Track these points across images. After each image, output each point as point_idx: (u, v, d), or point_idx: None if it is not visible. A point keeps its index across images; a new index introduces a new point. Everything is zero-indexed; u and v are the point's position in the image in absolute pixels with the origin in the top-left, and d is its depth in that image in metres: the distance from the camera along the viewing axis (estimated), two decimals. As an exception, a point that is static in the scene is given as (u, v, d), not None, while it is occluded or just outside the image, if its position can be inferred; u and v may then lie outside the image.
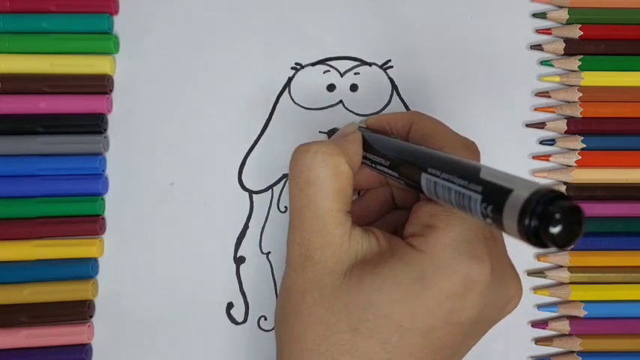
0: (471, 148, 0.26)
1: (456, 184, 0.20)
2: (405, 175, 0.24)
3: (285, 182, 0.33)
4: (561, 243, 0.16)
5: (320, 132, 0.34)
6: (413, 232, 0.24)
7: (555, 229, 0.16)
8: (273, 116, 0.34)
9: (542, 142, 0.34)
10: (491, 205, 0.18)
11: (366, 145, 0.26)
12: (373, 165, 0.26)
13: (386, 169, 0.25)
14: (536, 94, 0.34)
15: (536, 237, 0.16)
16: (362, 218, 0.27)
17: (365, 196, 0.30)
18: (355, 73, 0.34)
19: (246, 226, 0.33)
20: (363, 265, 0.23)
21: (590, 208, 0.33)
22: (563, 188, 0.33)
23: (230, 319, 0.33)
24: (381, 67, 0.34)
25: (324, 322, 0.22)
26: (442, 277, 0.22)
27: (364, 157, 0.26)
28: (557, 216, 0.16)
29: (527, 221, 0.16)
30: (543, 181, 0.34)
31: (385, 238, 0.24)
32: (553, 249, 0.16)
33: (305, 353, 0.23)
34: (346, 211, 0.24)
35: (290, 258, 0.24)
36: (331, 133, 0.33)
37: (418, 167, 0.22)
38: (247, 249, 0.33)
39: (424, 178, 0.22)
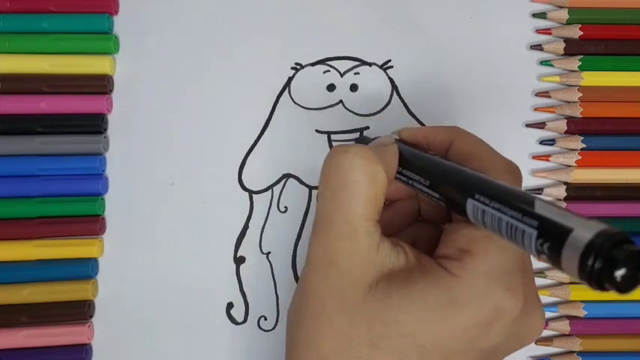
0: (515, 173, 0.24)
1: (507, 215, 0.19)
2: (448, 197, 0.23)
3: (286, 182, 0.33)
4: (624, 288, 0.16)
5: (317, 131, 0.34)
6: (447, 255, 0.23)
7: (619, 273, 0.16)
8: (273, 116, 0.34)
9: (542, 142, 0.34)
10: (549, 242, 0.17)
11: (402, 161, 0.25)
12: (409, 182, 0.25)
13: (425, 189, 0.24)
14: (536, 94, 0.34)
15: (597, 280, 0.16)
16: (385, 229, 0.27)
17: (390, 207, 0.29)
18: (355, 73, 0.34)
19: (246, 226, 0.33)
20: (390, 281, 0.22)
21: (590, 208, 0.33)
22: (563, 188, 0.33)
23: (230, 319, 0.33)
24: (381, 67, 0.34)
25: (344, 334, 0.22)
26: (474, 305, 0.21)
27: (399, 172, 0.25)
28: (622, 261, 0.16)
29: (590, 263, 0.16)
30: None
31: (414, 255, 0.23)
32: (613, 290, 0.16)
33: None
34: (376, 221, 0.23)
35: (311, 260, 0.23)
36: (362, 140, 0.32)
37: (463, 192, 0.21)
38: (247, 249, 0.33)
39: (470, 204, 0.21)
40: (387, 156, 0.25)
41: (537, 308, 0.24)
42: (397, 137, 0.27)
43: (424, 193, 0.24)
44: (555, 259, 0.17)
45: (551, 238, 0.17)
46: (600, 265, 0.16)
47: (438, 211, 0.27)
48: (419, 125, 0.34)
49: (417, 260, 0.23)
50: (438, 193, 0.23)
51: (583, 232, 0.17)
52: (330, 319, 0.22)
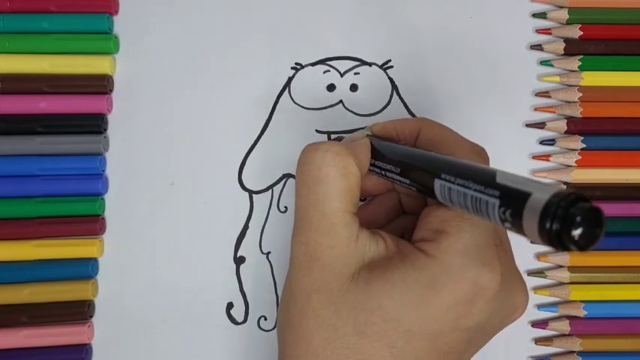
0: (481, 154, 0.26)
1: (471, 190, 0.20)
2: (417, 181, 0.23)
3: (286, 182, 0.33)
4: (583, 245, 0.16)
5: (317, 131, 0.34)
6: (423, 237, 0.23)
7: (577, 232, 0.16)
8: (273, 116, 0.34)
9: (542, 142, 0.34)
10: (510, 209, 0.18)
11: (375, 153, 0.26)
12: (382, 173, 0.26)
13: (396, 177, 0.25)
14: (536, 94, 0.34)
15: (558, 240, 0.16)
16: (370, 224, 0.27)
17: (372, 202, 0.29)
18: (355, 73, 0.34)
19: (246, 226, 0.33)
20: (371, 269, 0.23)
21: (590, 208, 0.33)
22: (562, 188, 0.33)
23: (230, 319, 0.33)
24: (381, 67, 0.34)
25: (330, 325, 0.22)
26: (452, 283, 0.22)
27: (373, 165, 0.26)
28: (579, 218, 0.16)
29: (548, 224, 0.16)
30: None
31: (393, 242, 0.24)
32: (572, 248, 0.17)
33: (310, 356, 0.22)
34: (353, 213, 0.24)
35: (294, 258, 0.24)
36: (336, 139, 0.33)
37: (431, 173, 0.22)
38: (247, 249, 0.33)
39: (437, 184, 0.22)
40: (357, 149, 0.25)
41: (518, 283, 0.24)
42: (369, 133, 0.28)
43: (396, 181, 0.25)
44: (518, 225, 0.18)
45: (512, 205, 0.18)
46: (558, 225, 0.16)
47: (417, 202, 0.28)
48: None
49: (396, 247, 0.24)
50: (409, 179, 0.24)
51: (541, 195, 0.17)
52: (316, 312, 0.23)
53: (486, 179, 0.19)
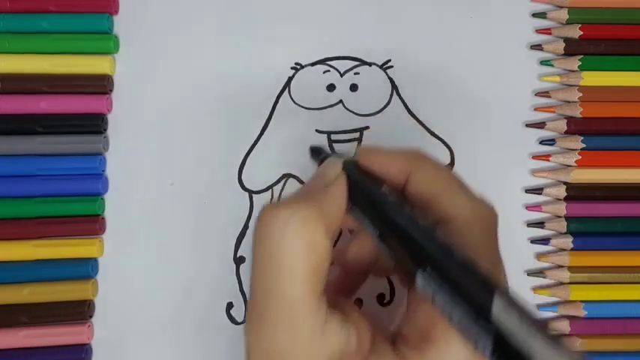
0: (487, 219, 0.21)
1: (460, 309, 0.16)
2: (398, 260, 0.20)
3: (285, 182, 0.33)
4: None
5: (317, 131, 0.34)
6: (408, 338, 0.21)
7: None
8: (273, 116, 0.34)
9: (542, 142, 0.34)
10: None
11: (353, 196, 0.21)
12: (359, 221, 0.21)
13: (375, 238, 0.21)
14: (536, 94, 0.34)
15: None
16: (356, 266, 0.24)
17: (355, 240, 0.24)
18: (355, 73, 0.34)
19: (246, 226, 0.33)
20: None
21: (590, 208, 0.33)
22: (563, 188, 0.33)
23: (230, 319, 0.32)
24: (381, 67, 0.34)
25: None
26: None
27: (350, 209, 0.22)
28: None
29: None
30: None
31: (367, 337, 0.21)
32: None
33: None
34: (320, 293, 0.20)
35: (250, 351, 0.21)
36: (315, 153, 0.26)
37: (414, 260, 0.18)
38: (247, 249, 0.33)
39: (420, 277, 0.18)
40: (329, 201, 0.21)
41: None
42: (351, 159, 0.23)
43: (374, 240, 0.21)
44: None
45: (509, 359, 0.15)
46: None
47: None
48: (416, 123, 0.34)
49: (370, 344, 0.21)
50: (388, 249, 0.20)
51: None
52: None
53: (480, 304, 0.16)
